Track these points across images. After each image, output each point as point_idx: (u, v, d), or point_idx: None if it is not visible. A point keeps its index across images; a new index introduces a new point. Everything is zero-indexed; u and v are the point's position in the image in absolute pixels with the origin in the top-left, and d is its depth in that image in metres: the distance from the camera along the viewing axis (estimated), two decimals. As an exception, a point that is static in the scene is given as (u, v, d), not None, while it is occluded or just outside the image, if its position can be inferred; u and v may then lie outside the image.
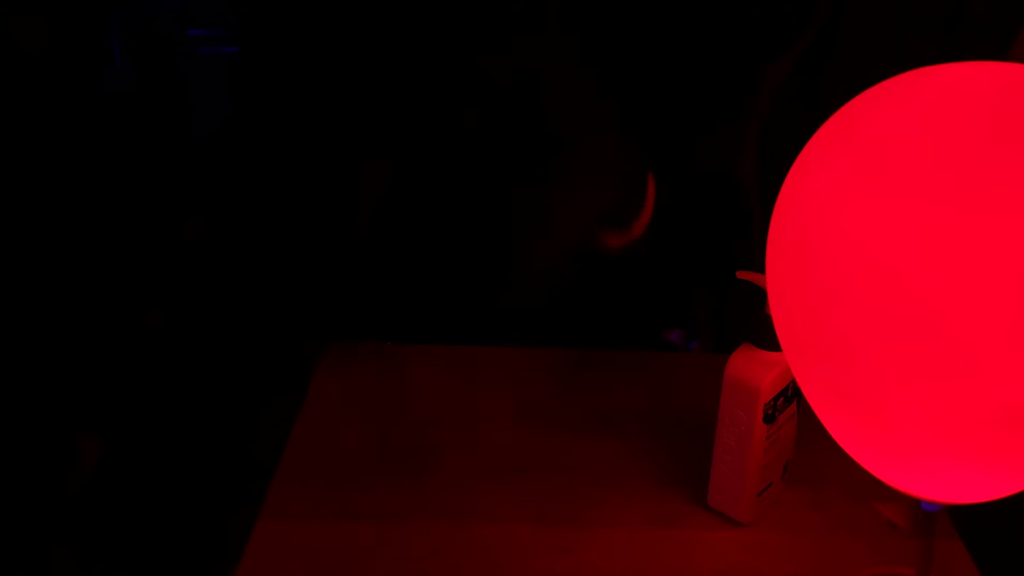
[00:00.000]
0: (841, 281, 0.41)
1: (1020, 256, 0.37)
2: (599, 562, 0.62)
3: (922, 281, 0.38)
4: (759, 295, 0.56)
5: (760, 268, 0.50)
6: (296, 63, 0.79)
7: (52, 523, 1.20)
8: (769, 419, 0.61)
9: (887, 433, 0.43)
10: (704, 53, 0.77)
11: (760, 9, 0.76)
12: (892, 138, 0.41)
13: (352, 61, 0.81)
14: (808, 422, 0.52)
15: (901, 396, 0.41)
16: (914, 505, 0.52)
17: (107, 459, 1.33)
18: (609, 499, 0.67)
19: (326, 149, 0.85)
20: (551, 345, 0.81)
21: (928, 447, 0.42)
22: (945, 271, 0.38)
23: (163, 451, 1.43)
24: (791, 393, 0.62)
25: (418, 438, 0.72)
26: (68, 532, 1.20)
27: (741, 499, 0.63)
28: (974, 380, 0.39)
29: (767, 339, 0.59)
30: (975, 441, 0.41)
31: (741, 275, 0.59)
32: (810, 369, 0.45)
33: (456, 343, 0.83)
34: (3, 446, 1.19)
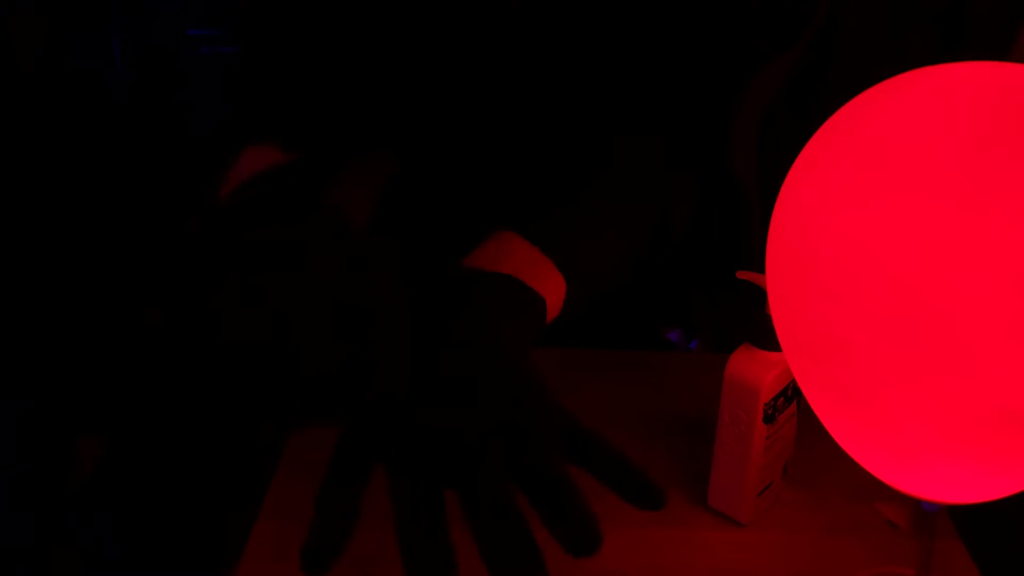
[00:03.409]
0: (841, 281, 0.41)
1: (1020, 256, 0.37)
2: (599, 562, 0.62)
3: (922, 281, 0.38)
4: (759, 295, 0.55)
5: (760, 268, 0.50)
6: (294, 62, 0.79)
7: (52, 523, 1.20)
8: (769, 419, 0.61)
9: (887, 433, 0.43)
10: (703, 52, 0.77)
11: (759, 8, 0.76)
12: (892, 138, 0.41)
13: (350, 59, 0.81)
14: (808, 422, 0.52)
15: (901, 396, 0.41)
16: (914, 505, 0.52)
17: (107, 459, 1.33)
18: (609, 499, 0.67)
19: (325, 147, 0.84)
20: (550, 345, 0.81)
21: (928, 447, 0.42)
22: (945, 271, 0.38)
23: (163, 450, 1.43)
24: (791, 393, 0.62)
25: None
26: (68, 532, 1.20)
27: (741, 499, 0.63)
28: (974, 380, 0.39)
29: (767, 339, 0.59)
30: (975, 441, 0.41)
31: (741, 275, 0.59)
32: (810, 369, 0.45)
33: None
34: (3, 446, 1.19)
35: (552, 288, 0.59)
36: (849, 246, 0.40)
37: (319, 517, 0.48)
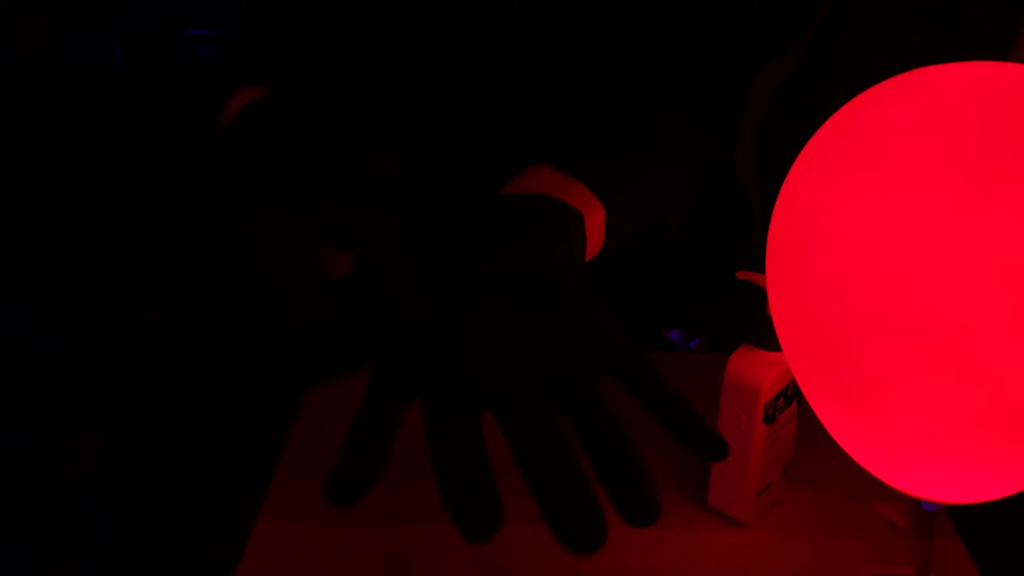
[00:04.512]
0: (841, 281, 0.41)
1: (1020, 256, 0.37)
2: (598, 562, 0.62)
3: (922, 281, 0.38)
4: (759, 295, 0.56)
5: (760, 268, 0.50)
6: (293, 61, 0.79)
7: (52, 523, 1.20)
8: (769, 419, 0.61)
9: (887, 433, 0.43)
10: (704, 52, 0.77)
11: (759, 8, 0.77)
12: (892, 138, 0.41)
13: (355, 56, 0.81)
14: (808, 422, 0.52)
15: (901, 396, 0.41)
16: (914, 505, 0.52)
17: (107, 458, 1.33)
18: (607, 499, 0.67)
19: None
20: None
21: (928, 447, 0.42)
22: (945, 271, 0.38)
23: (163, 450, 1.43)
24: (791, 393, 0.62)
25: (418, 437, 0.72)
26: (68, 532, 1.20)
27: (741, 499, 0.63)
28: (974, 380, 0.39)
29: (767, 339, 0.59)
30: (975, 441, 0.41)
31: (741, 275, 0.59)
32: (810, 369, 0.45)
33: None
34: (3, 446, 1.19)
35: (590, 210, 0.56)
36: (849, 246, 0.40)
37: (349, 449, 0.47)
